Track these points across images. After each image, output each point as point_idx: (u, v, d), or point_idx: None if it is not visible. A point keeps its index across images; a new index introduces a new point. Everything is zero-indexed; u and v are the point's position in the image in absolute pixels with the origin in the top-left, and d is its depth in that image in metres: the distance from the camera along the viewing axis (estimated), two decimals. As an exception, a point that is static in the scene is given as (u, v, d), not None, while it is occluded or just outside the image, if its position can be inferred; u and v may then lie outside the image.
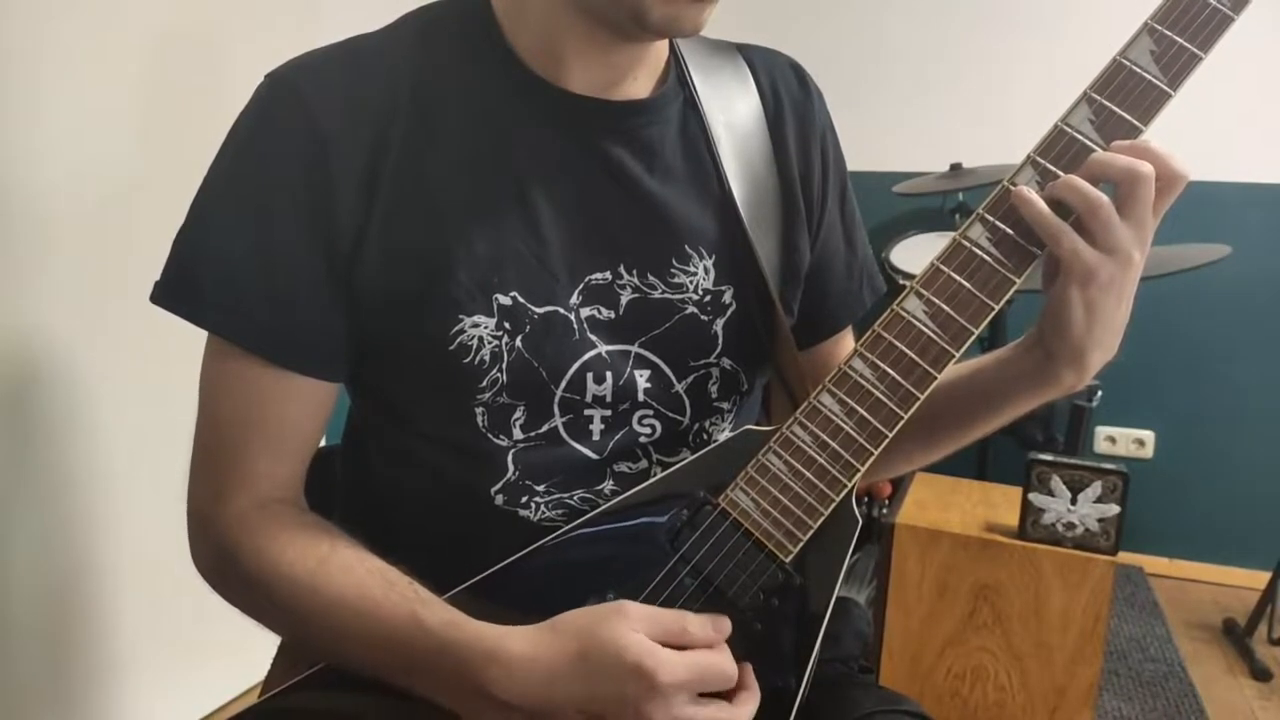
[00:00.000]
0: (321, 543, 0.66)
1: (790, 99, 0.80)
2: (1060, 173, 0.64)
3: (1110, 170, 0.61)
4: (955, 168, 2.52)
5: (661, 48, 0.74)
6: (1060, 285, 0.63)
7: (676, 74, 0.75)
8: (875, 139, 2.73)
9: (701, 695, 0.60)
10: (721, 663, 0.60)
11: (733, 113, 0.76)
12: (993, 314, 0.65)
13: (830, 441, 0.66)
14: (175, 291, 0.68)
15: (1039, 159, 0.65)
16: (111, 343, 1.43)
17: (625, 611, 0.60)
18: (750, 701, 0.62)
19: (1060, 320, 0.64)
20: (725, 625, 0.63)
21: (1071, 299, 0.63)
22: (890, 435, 0.65)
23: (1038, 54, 2.60)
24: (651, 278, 0.72)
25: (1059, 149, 0.64)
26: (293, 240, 0.66)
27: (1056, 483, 1.56)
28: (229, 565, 0.68)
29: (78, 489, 1.44)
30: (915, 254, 2.44)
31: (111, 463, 1.47)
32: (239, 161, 0.68)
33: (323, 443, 0.86)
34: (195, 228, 0.68)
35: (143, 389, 1.44)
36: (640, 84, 0.73)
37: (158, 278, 0.68)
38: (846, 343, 0.87)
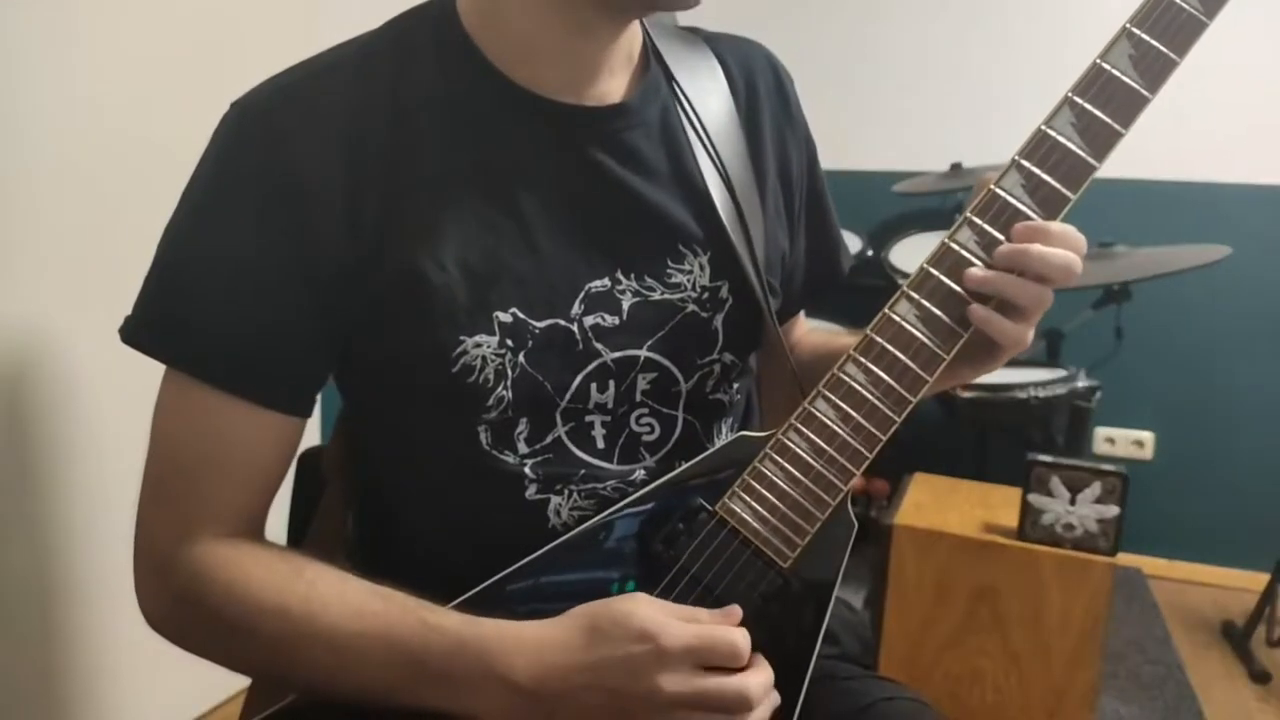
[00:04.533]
0: (302, 569, 0.65)
1: (766, 89, 0.80)
2: (1045, 175, 0.65)
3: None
4: (955, 168, 2.52)
5: (635, 41, 0.74)
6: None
7: (654, 68, 0.75)
8: (875, 139, 2.74)
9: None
10: (728, 632, 0.60)
11: (707, 106, 0.76)
12: None
13: (826, 447, 0.66)
14: (146, 331, 0.66)
15: (1024, 162, 0.66)
16: (110, 340, 1.42)
17: (638, 594, 0.62)
18: (762, 672, 0.62)
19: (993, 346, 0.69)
20: (735, 613, 0.63)
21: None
22: (885, 440, 0.66)
23: (1038, 53, 2.59)
24: (649, 280, 0.71)
25: (1043, 152, 0.66)
26: (267, 275, 0.64)
27: (1056, 483, 1.56)
28: (195, 608, 0.65)
29: (74, 487, 1.43)
30: (915, 254, 2.44)
31: (108, 461, 1.46)
32: (209, 196, 0.66)
33: (317, 443, 0.86)
34: (164, 263, 0.66)
35: (142, 387, 1.43)
36: (617, 80, 0.72)
37: (129, 313, 0.67)
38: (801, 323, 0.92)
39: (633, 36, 0.73)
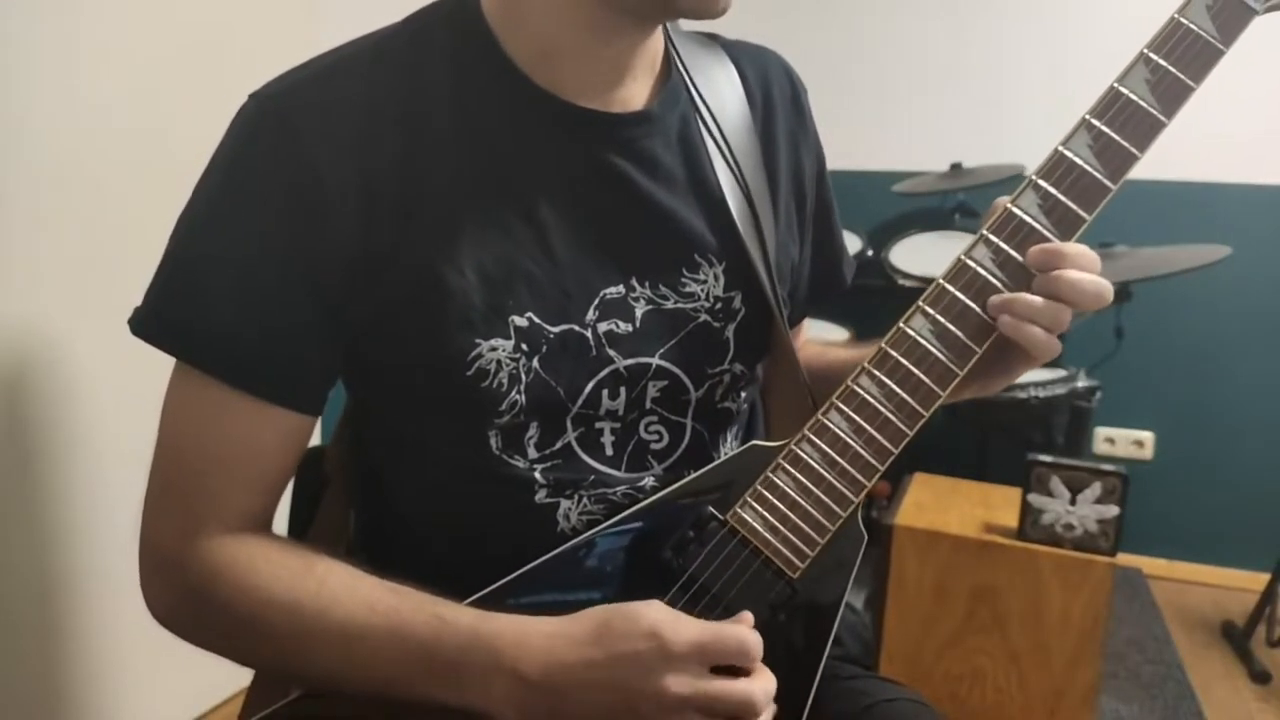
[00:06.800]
0: (314, 564, 0.65)
1: (782, 98, 0.80)
2: (1061, 196, 0.66)
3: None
4: (955, 167, 2.52)
5: (657, 47, 0.73)
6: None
7: (676, 74, 0.75)
8: (875, 138, 2.73)
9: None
10: (737, 630, 0.60)
11: (725, 114, 0.76)
12: (996, 334, 0.67)
13: (839, 459, 0.67)
14: (157, 324, 0.66)
15: (1041, 182, 0.66)
16: (110, 340, 1.42)
17: (652, 600, 0.62)
18: (767, 679, 0.62)
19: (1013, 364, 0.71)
20: (747, 618, 0.63)
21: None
22: (897, 452, 0.67)
23: (1038, 53, 2.59)
24: (663, 288, 0.71)
25: (1060, 173, 0.66)
26: (279, 272, 0.64)
27: (1056, 483, 1.56)
28: (203, 605, 0.65)
29: (74, 486, 1.43)
30: (915, 254, 2.44)
31: (108, 460, 1.46)
32: (223, 189, 0.65)
33: (318, 442, 0.86)
34: (177, 256, 0.66)
35: (142, 386, 1.42)
36: (639, 85, 0.72)
37: (139, 304, 0.66)
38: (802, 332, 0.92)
39: (655, 42, 0.72)
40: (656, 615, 0.59)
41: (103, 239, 1.42)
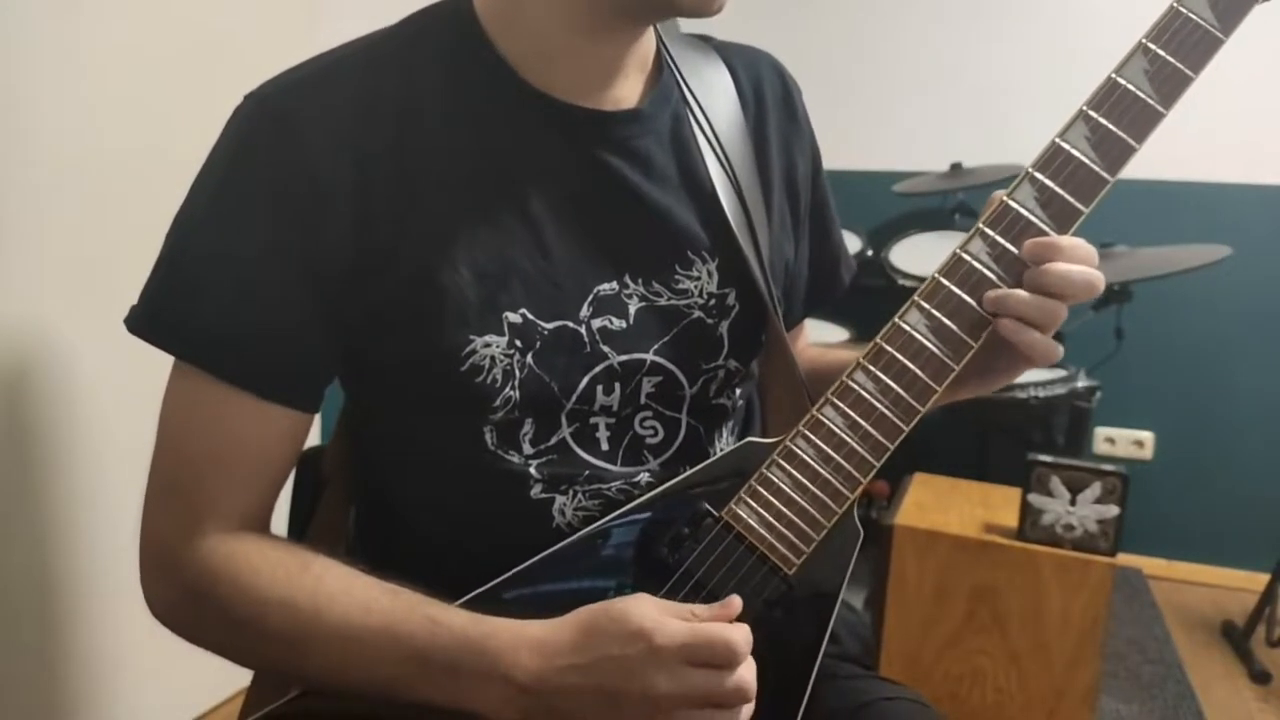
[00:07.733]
0: (310, 564, 0.65)
1: (774, 98, 0.81)
2: (1057, 188, 0.65)
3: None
4: (955, 167, 2.52)
5: (649, 47, 0.74)
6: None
7: (667, 74, 0.75)
8: (875, 138, 2.73)
9: None
10: (724, 630, 0.59)
11: (717, 113, 0.76)
12: (991, 328, 0.66)
13: (834, 455, 0.66)
14: (154, 321, 0.66)
15: (1037, 174, 0.66)
16: (110, 340, 1.42)
17: (638, 594, 0.61)
18: (748, 664, 0.60)
19: (1014, 358, 0.69)
20: (734, 604, 0.62)
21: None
22: (892, 448, 0.66)
23: (1038, 54, 2.59)
24: (656, 285, 0.71)
25: (1056, 165, 0.66)
26: (275, 271, 0.64)
27: (1056, 483, 1.56)
28: (204, 603, 0.65)
29: (74, 487, 1.43)
30: (915, 254, 2.44)
31: (108, 461, 1.46)
32: (220, 188, 0.65)
33: (317, 442, 0.86)
34: (174, 255, 0.66)
35: (142, 386, 1.42)
36: (631, 84, 0.72)
37: (134, 303, 0.66)
38: (803, 336, 0.92)
39: (647, 42, 0.73)
40: (642, 616, 0.59)
41: (103, 239, 1.42)
